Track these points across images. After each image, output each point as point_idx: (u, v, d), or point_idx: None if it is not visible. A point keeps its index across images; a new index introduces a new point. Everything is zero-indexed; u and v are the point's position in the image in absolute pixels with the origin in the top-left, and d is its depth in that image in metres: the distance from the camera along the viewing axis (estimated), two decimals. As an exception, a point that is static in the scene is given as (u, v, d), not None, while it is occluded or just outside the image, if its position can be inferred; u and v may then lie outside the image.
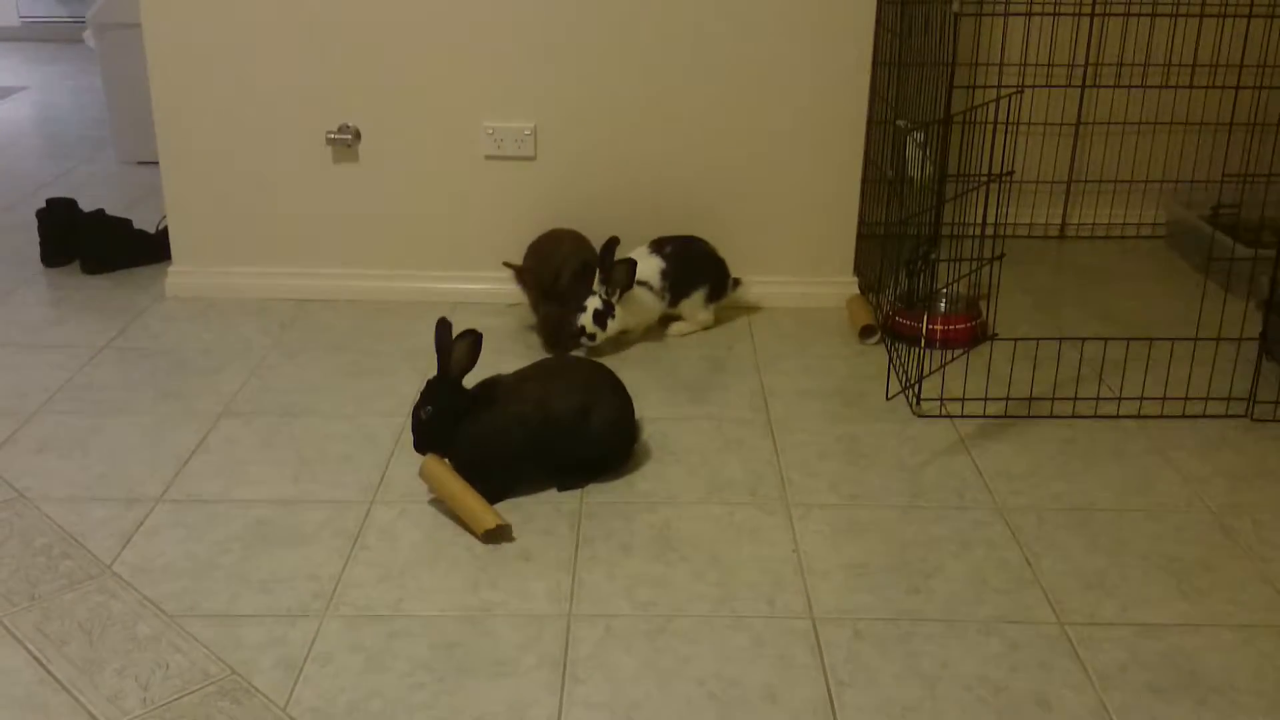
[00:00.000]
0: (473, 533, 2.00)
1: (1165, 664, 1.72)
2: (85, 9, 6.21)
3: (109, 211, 3.28)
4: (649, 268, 2.78)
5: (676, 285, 2.80)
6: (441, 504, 2.08)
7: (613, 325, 2.71)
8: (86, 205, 3.31)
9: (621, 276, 2.71)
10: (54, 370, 2.60)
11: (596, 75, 2.87)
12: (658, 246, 2.82)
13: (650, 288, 2.78)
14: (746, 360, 2.71)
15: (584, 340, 2.69)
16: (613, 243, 2.74)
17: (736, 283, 2.92)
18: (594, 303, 2.68)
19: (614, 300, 2.70)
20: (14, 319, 2.88)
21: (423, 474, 2.09)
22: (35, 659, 1.69)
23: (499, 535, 2.01)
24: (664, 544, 1.99)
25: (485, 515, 2.00)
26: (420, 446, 2.10)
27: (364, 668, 1.68)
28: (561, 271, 2.75)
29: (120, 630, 1.76)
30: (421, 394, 2.09)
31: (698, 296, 2.83)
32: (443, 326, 2.08)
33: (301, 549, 1.96)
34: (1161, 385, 2.50)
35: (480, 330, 2.09)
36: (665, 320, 2.87)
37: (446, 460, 2.09)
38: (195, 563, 1.92)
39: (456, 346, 2.07)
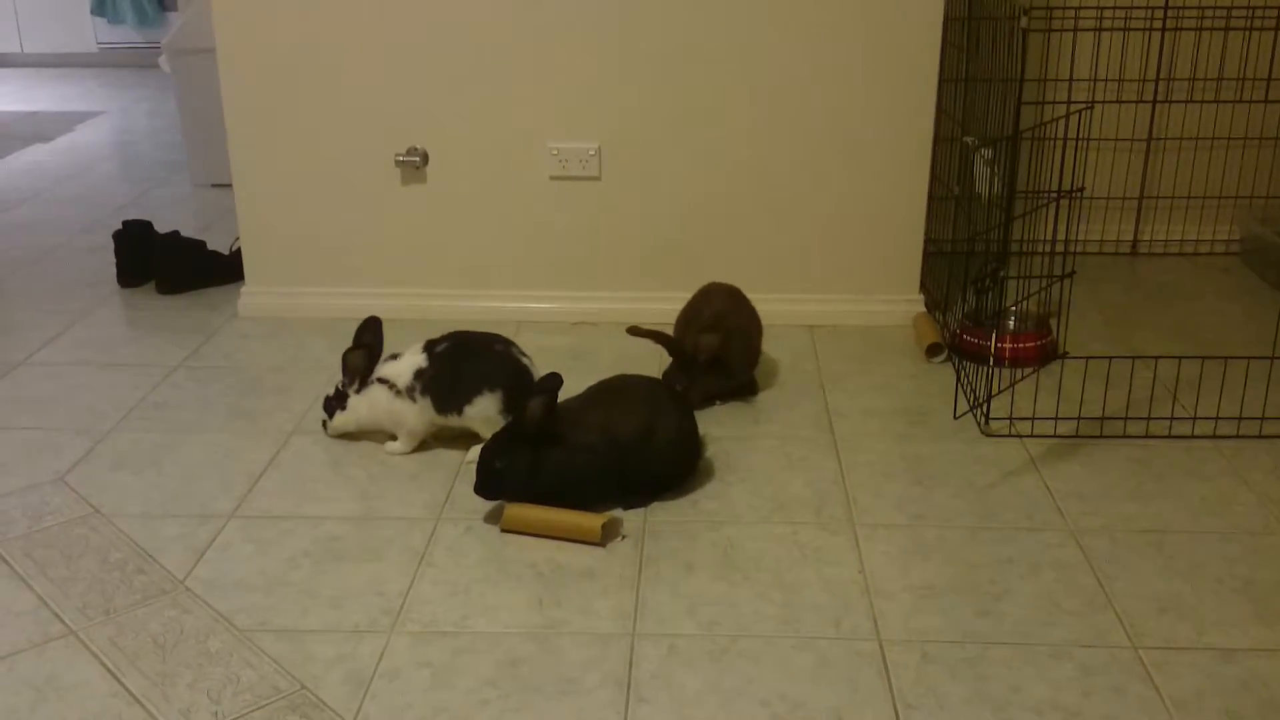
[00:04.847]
0: (592, 544, 2.01)
1: (1243, 690, 1.67)
2: (161, 35, 6.36)
3: (184, 233, 3.35)
4: (402, 365, 2.32)
5: (446, 390, 2.28)
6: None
7: (340, 419, 2.36)
8: (162, 227, 3.38)
9: (354, 362, 2.35)
10: (129, 389, 2.66)
11: (660, 94, 2.88)
12: (431, 343, 2.33)
13: (392, 387, 2.32)
14: (811, 379, 2.70)
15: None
16: (372, 322, 2.41)
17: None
18: (331, 388, 2.39)
19: (349, 390, 2.35)
20: (90, 338, 2.95)
21: (508, 525, 2.06)
22: (109, 672, 1.72)
23: (614, 530, 2.05)
24: (727, 563, 1.98)
25: (590, 523, 2.02)
26: (489, 494, 2.09)
27: (430, 683, 1.70)
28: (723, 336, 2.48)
29: (192, 645, 1.78)
30: (491, 444, 2.09)
31: (484, 404, 2.26)
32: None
33: (370, 565, 1.98)
34: (1237, 405, 2.45)
35: (559, 375, 2.08)
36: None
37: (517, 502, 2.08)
38: (266, 578, 1.95)
39: (534, 403, 2.04)
